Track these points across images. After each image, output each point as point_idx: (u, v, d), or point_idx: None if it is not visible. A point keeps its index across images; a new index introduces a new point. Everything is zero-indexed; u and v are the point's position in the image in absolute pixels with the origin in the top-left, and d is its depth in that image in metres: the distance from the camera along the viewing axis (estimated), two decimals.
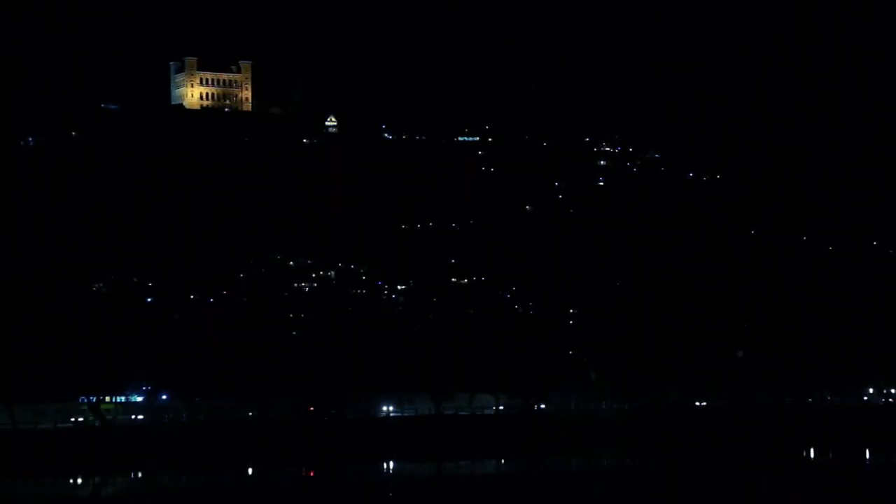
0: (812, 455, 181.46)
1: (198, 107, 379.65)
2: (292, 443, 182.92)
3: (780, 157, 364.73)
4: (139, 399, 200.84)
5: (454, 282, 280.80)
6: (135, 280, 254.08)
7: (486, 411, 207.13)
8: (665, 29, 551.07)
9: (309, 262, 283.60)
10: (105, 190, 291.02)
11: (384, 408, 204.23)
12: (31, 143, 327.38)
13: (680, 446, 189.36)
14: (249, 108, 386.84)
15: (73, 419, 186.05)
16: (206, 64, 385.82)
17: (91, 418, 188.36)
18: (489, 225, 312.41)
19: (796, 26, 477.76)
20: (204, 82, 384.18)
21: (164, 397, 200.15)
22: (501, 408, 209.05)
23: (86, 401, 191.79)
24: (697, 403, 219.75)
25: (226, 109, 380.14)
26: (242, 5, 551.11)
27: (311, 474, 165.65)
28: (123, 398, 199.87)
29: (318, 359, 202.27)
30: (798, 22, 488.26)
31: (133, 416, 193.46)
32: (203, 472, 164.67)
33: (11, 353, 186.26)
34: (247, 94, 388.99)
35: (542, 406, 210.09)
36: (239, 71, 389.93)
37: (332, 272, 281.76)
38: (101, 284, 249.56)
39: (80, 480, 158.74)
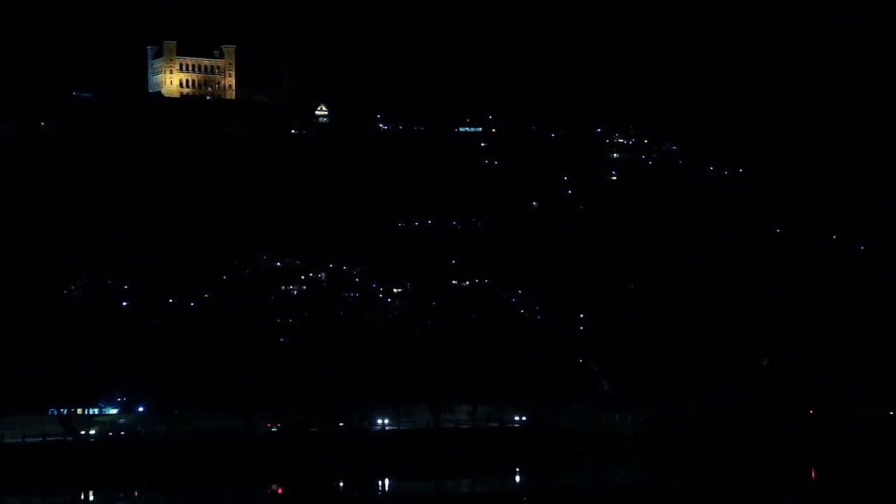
0: (844, 471, 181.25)
1: (177, 95, 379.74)
2: (280, 458, 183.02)
3: (806, 150, 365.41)
4: (114, 411, 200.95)
5: (455, 284, 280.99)
6: (109, 282, 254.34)
7: (490, 424, 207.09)
8: (681, 13, 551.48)
9: (298, 262, 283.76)
10: (77, 185, 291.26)
11: (379, 420, 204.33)
12: None
13: (698, 462, 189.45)
14: (233, 97, 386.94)
15: (42, 432, 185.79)
16: (187, 48, 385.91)
17: (62, 431, 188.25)
18: (493, 223, 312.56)
19: (819, 18, 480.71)
20: (184, 68, 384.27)
21: (140, 409, 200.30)
22: (515, 419, 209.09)
23: (56, 413, 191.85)
24: (718, 416, 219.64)
25: (208, 97, 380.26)
26: None
27: (280, 491, 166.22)
28: (97, 410, 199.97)
29: (309, 367, 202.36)
30: (820, 14, 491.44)
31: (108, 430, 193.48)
32: (183, 489, 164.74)
33: None
34: (230, 80, 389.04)
35: (550, 418, 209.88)
36: (222, 56, 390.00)
37: (323, 274, 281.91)
38: (73, 287, 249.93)
39: (49, 499, 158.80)
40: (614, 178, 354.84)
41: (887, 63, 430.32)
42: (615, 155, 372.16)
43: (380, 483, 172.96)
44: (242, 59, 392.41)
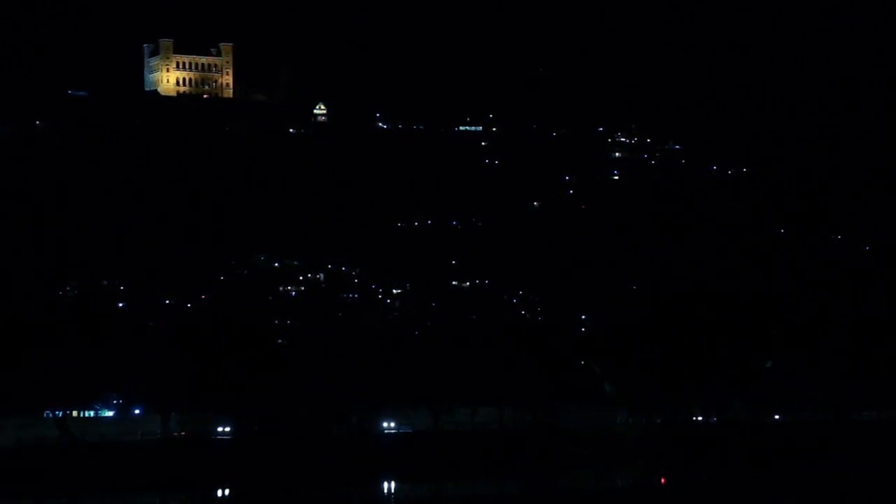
0: (854, 475, 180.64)
1: (174, 93, 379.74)
2: (277, 461, 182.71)
3: (806, 150, 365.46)
4: (110, 413, 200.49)
5: (455, 285, 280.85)
6: (105, 283, 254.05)
7: (490, 426, 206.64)
8: (681, 13, 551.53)
9: (296, 263, 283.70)
10: (73, 185, 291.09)
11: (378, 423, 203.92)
12: None
13: (702, 465, 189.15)
14: (231, 95, 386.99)
15: (36, 435, 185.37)
16: (183, 46, 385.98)
17: (57, 434, 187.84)
18: (493, 223, 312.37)
19: (819, 18, 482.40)
20: (181, 66, 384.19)
21: (137, 411, 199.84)
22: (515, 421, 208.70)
23: (51, 415, 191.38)
24: (720, 417, 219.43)
25: (205, 96, 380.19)
26: None
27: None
28: (93, 412, 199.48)
29: (307, 369, 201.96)
30: (820, 14, 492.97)
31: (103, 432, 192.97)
32: (180, 492, 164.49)
33: None
34: (228, 79, 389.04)
35: (551, 420, 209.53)
36: (219, 54, 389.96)
37: (322, 274, 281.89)
38: (68, 287, 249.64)
39: (45, 502, 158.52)
40: (616, 177, 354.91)
41: (887, 63, 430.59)
42: (617, 154, 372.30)
43: (380, 485, 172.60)
44: (240, 57, 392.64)
